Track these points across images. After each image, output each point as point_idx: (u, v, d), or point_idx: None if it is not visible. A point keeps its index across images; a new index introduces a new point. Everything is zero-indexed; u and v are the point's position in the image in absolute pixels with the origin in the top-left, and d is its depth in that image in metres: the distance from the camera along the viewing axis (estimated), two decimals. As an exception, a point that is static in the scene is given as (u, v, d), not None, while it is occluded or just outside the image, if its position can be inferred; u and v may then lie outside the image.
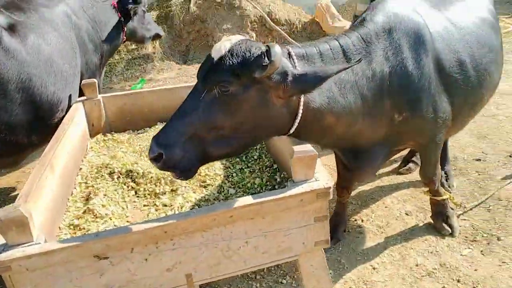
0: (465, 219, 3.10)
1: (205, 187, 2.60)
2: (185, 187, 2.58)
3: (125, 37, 3.98)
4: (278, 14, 8.60)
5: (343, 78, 2.05)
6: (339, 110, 2.06)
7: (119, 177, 2.72)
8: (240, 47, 1.80)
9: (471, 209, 3.19)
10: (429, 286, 2.52)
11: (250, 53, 1.77)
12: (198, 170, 2.04)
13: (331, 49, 2.07)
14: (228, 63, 1.76)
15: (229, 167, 2.79)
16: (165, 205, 2.44)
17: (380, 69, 2.16)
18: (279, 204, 1.83)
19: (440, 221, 2.96)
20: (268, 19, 8.24)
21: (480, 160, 3.93)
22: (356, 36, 2.15)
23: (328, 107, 2.02)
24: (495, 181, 3.58)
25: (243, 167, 2.78)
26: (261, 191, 2.45)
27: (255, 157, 2.89)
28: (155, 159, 1.83)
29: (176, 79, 7.41)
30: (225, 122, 1.84)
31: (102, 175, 2.74)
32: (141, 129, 3.46)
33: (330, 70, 1.82)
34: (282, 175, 2.53)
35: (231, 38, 1.86)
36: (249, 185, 2.53)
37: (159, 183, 2.65)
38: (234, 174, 2.69)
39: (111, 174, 2.75)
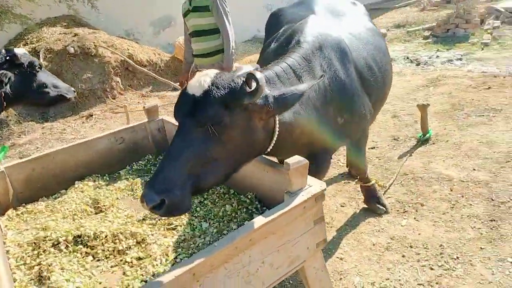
0: (389, 197, 3.56)
1: (173, 229, 2.47)
2: (152, 234, 2.41)
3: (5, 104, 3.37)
4: (139, 57, 8.51)
5: None
6: (303, 122, 2.23)
7: (67, 246, 2.39)
8: (222, 78, 1.83)
9: (388, 188, 3.69)
10: (392, 258, 2.83)
11: (235, 82, 1.82)
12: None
13: (283, 70, 2.23)
14: (216, 95, 1.77)
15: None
16: (140, 258, 2.24)
17: (322, 81, 2.41)
18: (287, 216, 1.88)
19: (374, 203, 3.35)
20: (132, 62, 8.10)
21: (374, 148, 4.55)
22: (298, 56, 2.36)
23: (295, 121, 2.18)
24: (394, 161, 4.20)
25: (201, 200, 2.71)
26: (236, 215, 2.44)
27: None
28: (156, 207, 1.72)
29: (42, 139, 6.68)
30: (219, 153, 1.84)
31: (45, 250, 2.36)
32: (56, 193, 3.08)
33: (302, 87, 1.98)
34: (249, 196, 2.57)
35: (206, 72, 1.87)
36: (221, 213, 2.49)
37: (117, 239, 2.41)
38: (198, 209, 2.61)
39: (55, 246, 2.39)
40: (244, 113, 1.85)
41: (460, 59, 7.93)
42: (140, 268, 2.13)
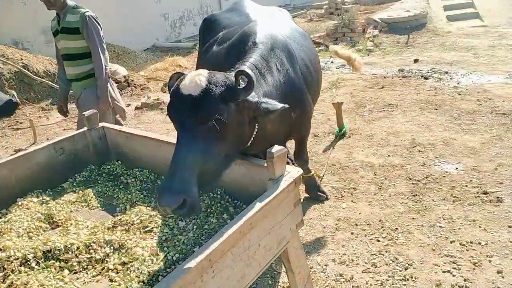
0: (325, 185, 3.94)
1: (150, 231, 2.46)
2: (130, 239, 2.37)
3: None
4: (35, 67, 7.87)
5: (266, 90, 2.43)
6: (272, 117, 2.43)
7: (38, 263, 2.24)
8: (217, 76, 1.93)
9: (322, 177, 4.07)
10: (343, 236, 3.18)
11: (228, 79, 1.94)
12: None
13: (252, 69, 2.41)
14: (215, 92, 1.86)
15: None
16: (125, 263, 2.21)
17: (278, 79, 2.63)
18: (276, 200, 2.06)
19: (315, 191, 3.69)
20: (28, 72, 7.48)
21: (300, 144, 4.93)
22: (258, 56, 2.53)
23: (267, 117, 2.37)
24: (320, 154, 4.62)
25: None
26: (212, 210, 2.53)
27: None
28: (179, 207, 1.76)
29: None
30: (221, 148, 1.95)
31: (13, 270, 2.19)
32: (-4, 213, 2.82)
33: (280, 105, 2.17)
34: (218, 191, 2.66)
35: (198, 72, 1.95)
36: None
37: (91, 249, 2.33)
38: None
39: (24, 264, 2.23)
40: (237, 108, 1.98)
41: (352, 64, 8.86)
42: (131, 272, 2.11)
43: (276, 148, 2.11)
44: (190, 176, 1.81)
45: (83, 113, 3.37)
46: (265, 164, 2.16)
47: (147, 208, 2.65)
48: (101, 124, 3.41)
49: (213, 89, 1.88)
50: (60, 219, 2.68)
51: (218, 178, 2.15)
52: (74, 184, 3.16)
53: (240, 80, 1.98)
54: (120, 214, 2.69)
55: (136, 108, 7.16)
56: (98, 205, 2.88)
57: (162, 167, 3.04)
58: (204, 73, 1.96)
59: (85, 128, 3.35)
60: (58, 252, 2.30)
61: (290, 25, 3.52)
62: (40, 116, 7.35)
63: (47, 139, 6.13)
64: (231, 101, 1.93)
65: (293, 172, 2.22)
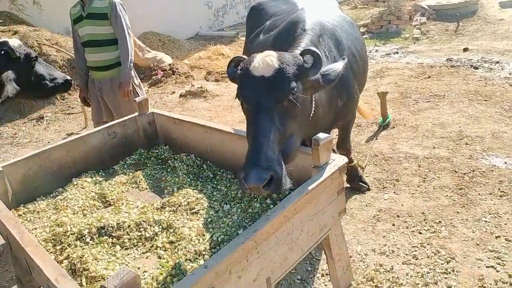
0: (367, 176, 3.92)
1: (196, 213, 2.57)
2: (178, 220, 2.49)
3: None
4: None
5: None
6: (322, 101, 2.47)
7: (92, 238, 2.41)
8: (286, 56, 2.01)
9: (364, 168, 4.05)
10: (384, 227, 3.17)
11: (298, 59, 2.01)
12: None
13: None
14: (288, 72, 1.94)
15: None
16: (172, 242, 2.33)
17: (326, 65, 2.65)
18: (321, 187, 2.10)
19: (357, 181, 3.68)
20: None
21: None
22: (309, 41, 2.55)
23: (319, 99, 2.41)
24: (362, 145, 4.59)
25: (214, 185, 2.85)
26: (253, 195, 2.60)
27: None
28: (267, 184, 1.80)
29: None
30: (295, 127, 2.04)
31: (69, 244, 2.36)
32: (53, 191, 3.02)
33: (338, 65, 2.20)
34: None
35: (267, 53, 2.02)
36: (239, 195, 2.63)
37: (141, 227, 2.48)
38: (215, 193, 2.74)
39: (79, 239, 2.40)
40: (306, 86, 2.05)
41: (397, 53, 8.64)
42: (178, 250, 2.23)
43: (322, 135, 2.14)
44: (274, 154, 1.86)
45: (135, 99, 3.53)
46: (311, 152, 2.20)
47: (194, 191, 2.76)
48: (150, 110, 3.56)
49: (286, 68, 1.94)
50: (112, 199, 2.85)
51: (292, 159, 2.17)
52: (125, 166, 3.33)
53: (308, 59, 2.05)
54: (168, 196, 2.83)
55: (181, 95, 7.33)
56: (147, 187, 3.04)
57: (208, 152, 3.15)
58: (273, 53, 2.02)
59: (136, 114, 3.51)
60: (111, 229, 2.46)
61: (337, 13, 3.50)
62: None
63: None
64: (301, 80, 1.99)
65: (338, 160, 2.25)
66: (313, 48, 2.05)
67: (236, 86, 2.15)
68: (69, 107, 7.43)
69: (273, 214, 1.88)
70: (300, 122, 2.12)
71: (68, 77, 3.60)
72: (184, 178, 2.98)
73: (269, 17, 3.50)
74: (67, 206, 2.78)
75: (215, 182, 2.90)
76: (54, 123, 6.85)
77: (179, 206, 2.65)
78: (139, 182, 3.08)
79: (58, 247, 2.38)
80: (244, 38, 10.78)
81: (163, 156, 3.43)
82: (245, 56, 2.19)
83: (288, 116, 2.01)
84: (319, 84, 2.13)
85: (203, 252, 2.15)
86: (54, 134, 6.44)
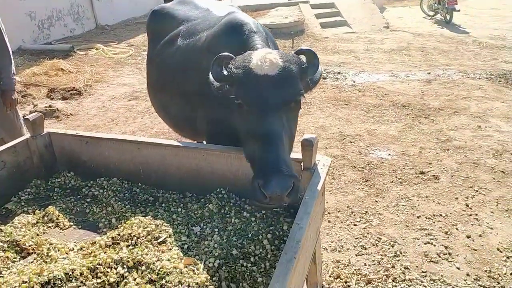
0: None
1: (163, 242, 2.15)
2: (146, 254, 2.04)
3: None
4: None
5: None
6: None
7: None
8: (287, 55, 1.86)
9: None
10: (322, 225, 3.25)
11: (298, 58, 1.86)
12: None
13: None
14: (293, 71, 1.79)
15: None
16: (153, 280, 1.90)
17: None
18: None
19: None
20: None
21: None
22: (262, 41, 2.41)
23: None
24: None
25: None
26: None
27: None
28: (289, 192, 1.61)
29: None
30: (295, 126, 1.98)
31: None
32: None
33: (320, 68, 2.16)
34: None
35: (267, 51, 1.86)
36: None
37: (99, 272, 1.95)
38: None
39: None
40: (304, 86, 1.92)
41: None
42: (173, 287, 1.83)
43: (309, 136, 2.06)
44: (289, 158, 1.71)
45: (27, 117, 2.78)
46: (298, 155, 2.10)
47: (147, 218, 2.32)
48: (46, 130, 2.86)
49: (291, 67, 1.80)
50: (30, 245, 2.19)
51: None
52: (22, 203, 2.61)
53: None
54: (108, 229, 2.32)
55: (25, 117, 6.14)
56: (71, 223, 2.43)
57: (139, 173, 2.70)
58: (273, 51, 1.86)
59: (27, 135, 2.78)
60: (60, 282, 1.88)
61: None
62: None
63: None
64: (305, 79, 1.88)
65: (323, 160, 2.20)
66: (307, 47, 1.97)
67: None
68: None
69: (302, 222, 1.72)
70: (296, 125, 2.02)
71: None
72: (121, 206, 2.49)
73: (181, 21, 3.23)
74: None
75: (164, 205, 2.50)
76: None
77: (138, 238, 2.18)
78: (56, 219, 2.44)
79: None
80: (82, 52, 9.81)
81: (70, 185, 2.81)
82: (230, 55, 1.96)
83: (293, 117, 1.92)
84: (308, 86, 2.06)
85: (206, 283, 1.82)
86: None
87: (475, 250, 2.88)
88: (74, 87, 7.51)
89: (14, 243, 2.18)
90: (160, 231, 2.22)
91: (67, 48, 10.00)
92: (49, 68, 8.34)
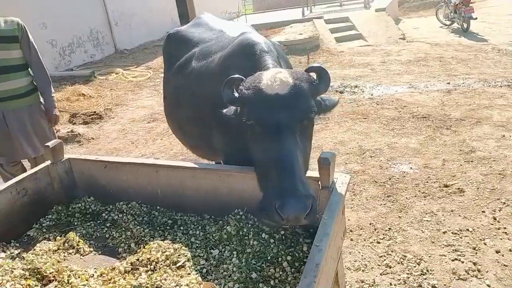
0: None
1: (182, 266, 2.13)
2: (165, 279, 2.02)
3: None
4: None
5: None
6: None
7: None
8: (297, 73, 1.85)
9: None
10: (344, 244, 3.18)
11: (308, 75, 1.85)
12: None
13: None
14: (304, 89, 1.78)
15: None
16: None
17: None
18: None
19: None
20: None
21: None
22: (274, 60, 2.41)
23: None
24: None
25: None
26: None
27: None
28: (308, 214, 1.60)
29: None
30: (310, 145, 1.99)
31: None
32: None
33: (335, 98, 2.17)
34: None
35: (278, 70, 1.87)
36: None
37: None
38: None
39: None
40: (316, 104, 1.90)
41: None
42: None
43: (327, 153, 2.02)
44: (305, 176, 1.71)
45: (47, 144, 2.84)
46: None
47: (166, 242, 2.31)
48: (66, 156, 2.90)
49: (302, 85, 1.79)
50: (51, 272, 2.19)
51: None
52: (43, 230, 2.63)
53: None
54: (128, 254, 2.31)
55: (48, 143, 6.29)
56: (91, 249, 2.44)
57: (158, 196, 2.71)
58: (283, 70, 1.87)
59: (48, 162, 2.83)
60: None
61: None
62: None
63: None
64: (314, 97, 1.86)
65: (342, 177, 2.16)
66: (318, 64, 1.96)
67: None
68: None
69: (321, 244, 1.68)
70: (311, 143, 2.00)
71: None
72: (139, 230, 2.49)
73: (196, 44, 3.28)
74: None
75: (182, 228, 2.49)
76: None
77: (157, 263, 2.17)
78: (77, 245, 2.45)
79: None
80: (102, 77, 10.05)
81: (90, 210, 2.82)
82: (241, 77, 1.96)
83: (307, 135, 1.91)
84: (321, 106, 2.03)
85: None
86: None
87: (506, 265, 2.75)
88: (95, 112, 7.68)
89: (35, 270, 2.18)
90: (179, 255, 2.20)
91: (88, 74, 10.28)
92: (71, 94, 8.56)
